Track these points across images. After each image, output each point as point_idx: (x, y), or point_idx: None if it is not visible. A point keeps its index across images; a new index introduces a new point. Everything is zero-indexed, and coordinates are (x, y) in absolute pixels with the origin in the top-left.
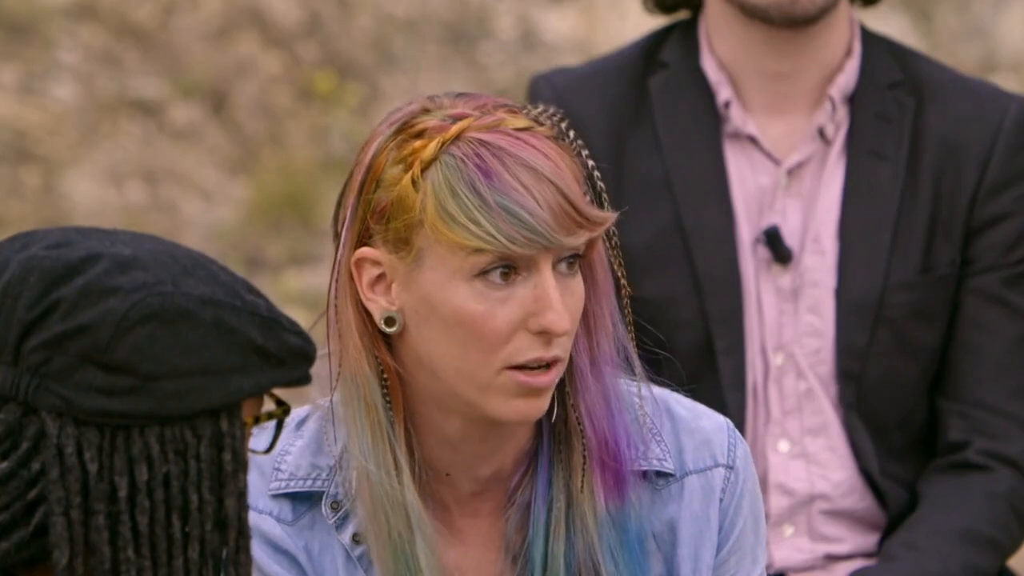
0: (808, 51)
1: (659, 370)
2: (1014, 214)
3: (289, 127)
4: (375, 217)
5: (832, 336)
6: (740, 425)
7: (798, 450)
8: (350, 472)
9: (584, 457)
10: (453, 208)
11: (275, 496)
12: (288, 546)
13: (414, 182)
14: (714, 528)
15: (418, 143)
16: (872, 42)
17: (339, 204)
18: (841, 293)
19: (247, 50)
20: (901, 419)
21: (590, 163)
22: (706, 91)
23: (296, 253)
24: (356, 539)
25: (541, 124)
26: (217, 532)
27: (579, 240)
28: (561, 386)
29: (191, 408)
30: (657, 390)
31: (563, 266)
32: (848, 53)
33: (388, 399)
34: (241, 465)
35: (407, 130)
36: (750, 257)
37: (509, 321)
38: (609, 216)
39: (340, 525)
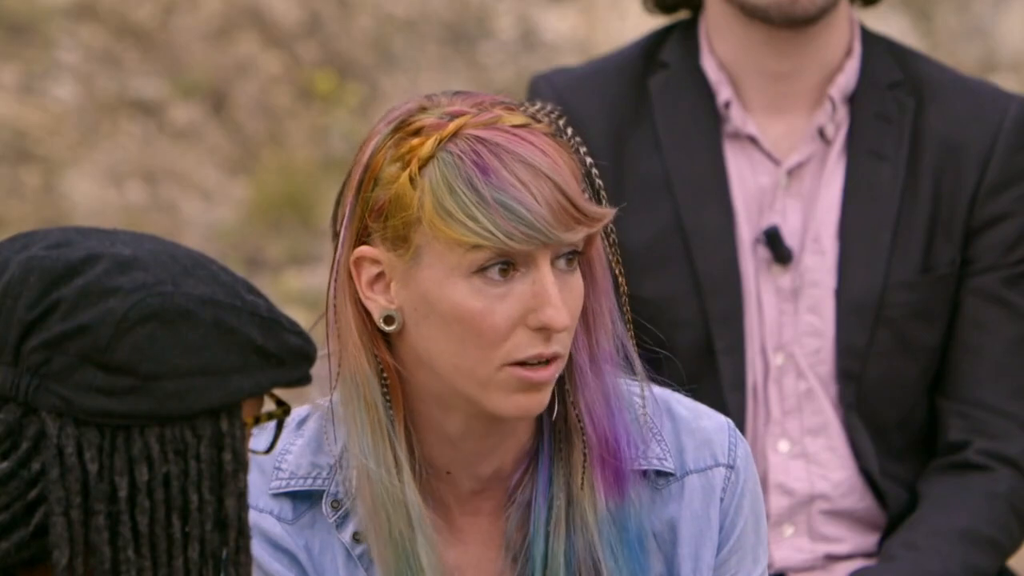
0: (808, 51)
1: (659, 370)
2: (1014, 214)
3: (289, 127)
4: (373, 215)
5: (832, 336)
6: (740, 425)
7: (798, 450)
8: (350, 471)
9: (584, 454)
10: (451, 205)
11: (275, 495)
12: (288, 545)
13: (412, 180)
14: (715, 528)
15: (415, 141)
16: (872, 42)
17: (338, 203)
18: (841, 293)
19: (247, 50)
20: (901, 419)
21: (588, 160)
22: (706, 91)
23: (296, 253)
24: (357, 538)
25: (539, 121)
26: (217, 532)
27: (577, 236)
28: (561, 383)
29: (191, 408)
30: (658, 390)
31: (562, 263)
32: (848, 53)
33: (388, 397)
34: (241, 465)
35: (404, 128)
36: (750, 257)
37: (508, 318)
38: (607, 212)
39: (340, 524)
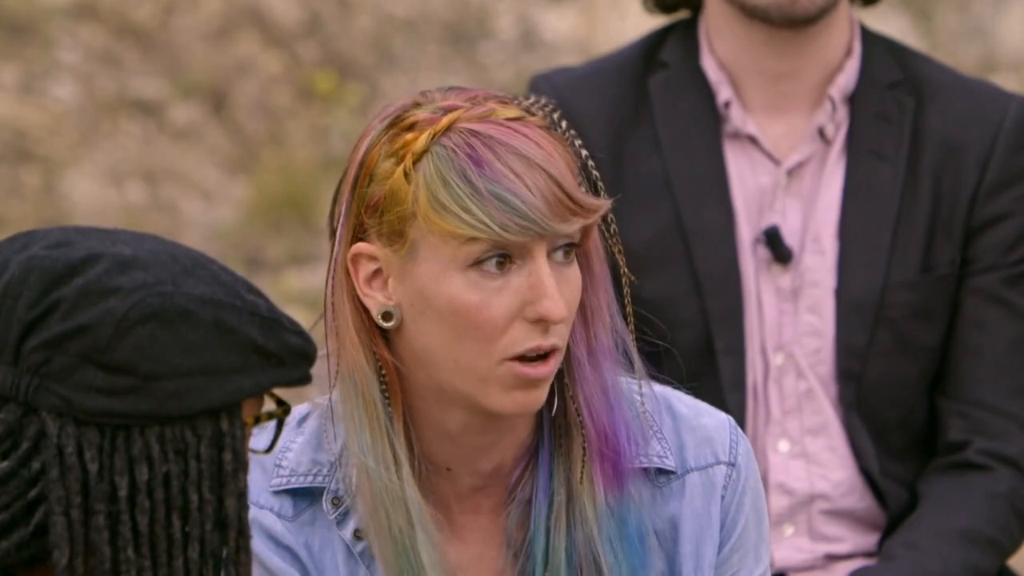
0: (808, 51)
1: (660, 367)
2: (1014, 214)
3: (289, 127)
4: (369, 211)
5: (832, 336)
6: (740, 425)
7: (798, 450)
8: (350, 468)
9: (583, 448)
10: (445, 197)
11: (276, 492)
12: (289, 542)
13: (406, 174)
14: (716, 525)
15: (409, 136)
16: (872, 42)
17: (334, 201)
18: (841, 293)
19: (247, 50)
20: (901, 419)
21: (583, 152)
22: (706, 91)
23: (296, 253)
24: (357, 535)
25: (533, 114)
26: (217, 532)
27: (572, 227)
28: (560, 377)
29: (191, 408)
30: (658, 388)
31: (559, 255)
32: (848, 53)
33: (387, 394)
34: (241, 465)
35: (398, 124)
36: (750, 257)
37: (505, 310)
38: (602, 203)
39: (341, 521)
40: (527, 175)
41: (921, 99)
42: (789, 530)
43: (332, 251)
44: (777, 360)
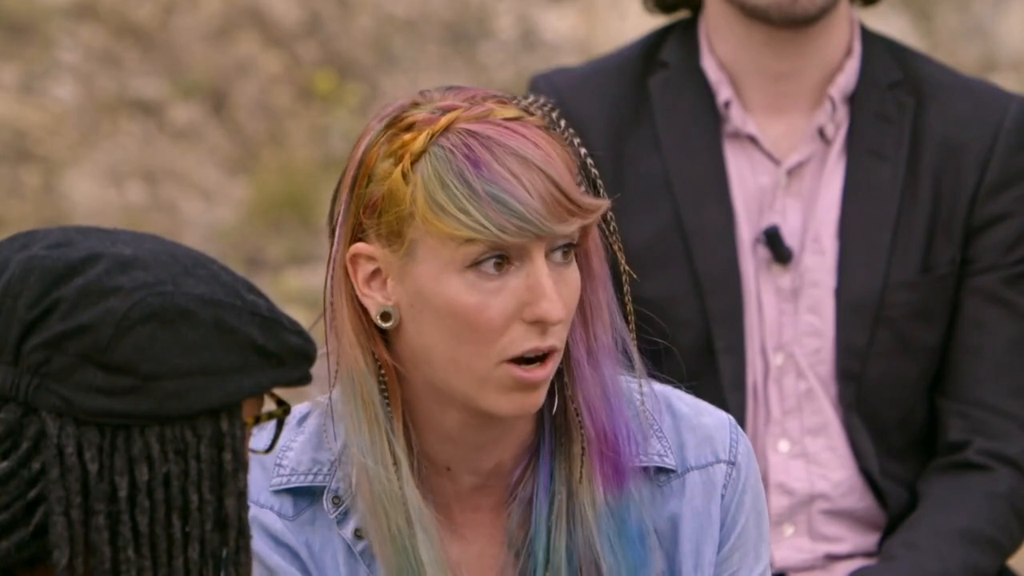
0: (808, 51)
1: (660, 366)
2: (1014, 214)
3: (289, 127)
4: (367, 212)
5: (832, 336)
6: (740, 425)
7: (798, 450)
8: (350, 468)
9: (583, 448)
10: (443, 199)
11: (276, 491)
12: (289, 541)
13: (404, 175)
14: (716, 524)
15: (408, 136)
16: (872, 42)
17: (333, 200)
18: (841, 293)
19: (247, 50)
20: (901, 419)
21: (583, 151)
22: (706, 91)
23: (296, 253)
24: (358, 534)
25: (531, 114)
26: (217, 532)
27: (571, 228)
28: (559, 376)
29: (191, 408)
30: (658, 386)
31: (557, 255)
32: (848, 53)
33: (385, 395)
34: (241, 465)
35: (397, 124)
36: (750, 257)
37: (503, 312)
38: (601, 203)
39: (341, 520)
40: (525, 176)
41: (921, 99)
42: (789, 530)
43: (331, 251)
44: (777, 360)
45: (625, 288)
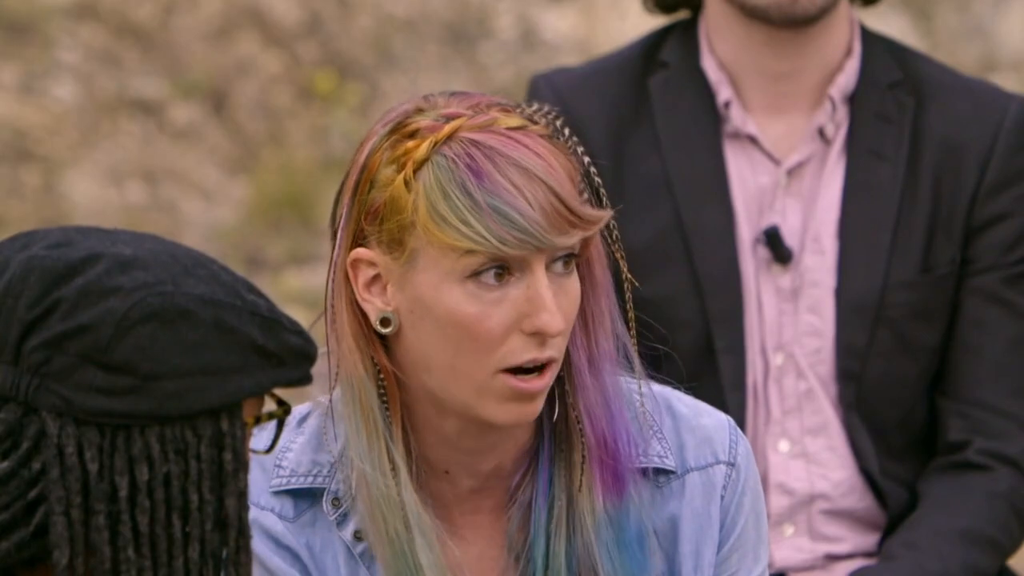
0: (808, 51)
1: (659, 368)
2: (1014, 214)
3: (289, 127)
4: (369, 218)
5: (832, 336)
6: (740, 425)
7: (798, 450)
8: (350, 471)
9: (583, 456)
10: (444, 209)
11: (276, 493)
12: (290, 542)
13: (407, 183)
14: (715, 525)
15: (411, 143)
16: (872, 42)
17: (336, 204)
18: (841, 293)
19: (247, 50)
20: (901, 419)
21: (586, 160)
22: (706, 91)
23: (296, 253)
24: (358, 536)
25: (535, 123)
26: (217, 532)
27: (572, 240)
28: (560, 384)
29: (191, 408)
30: (658, 388)
31: (558, 266)
32: (848, 53)
33: (384, 399)
34: (242, 465)
35: (401, 130)
36: (750, 257)
37: (503, 322)
38: (603, 214)
39: (341, 522)
40: (527, 188)
41: (921, 99)
42: (789, 530)
43: (333, 254)
44: (777, 360)
45: (627, 296)
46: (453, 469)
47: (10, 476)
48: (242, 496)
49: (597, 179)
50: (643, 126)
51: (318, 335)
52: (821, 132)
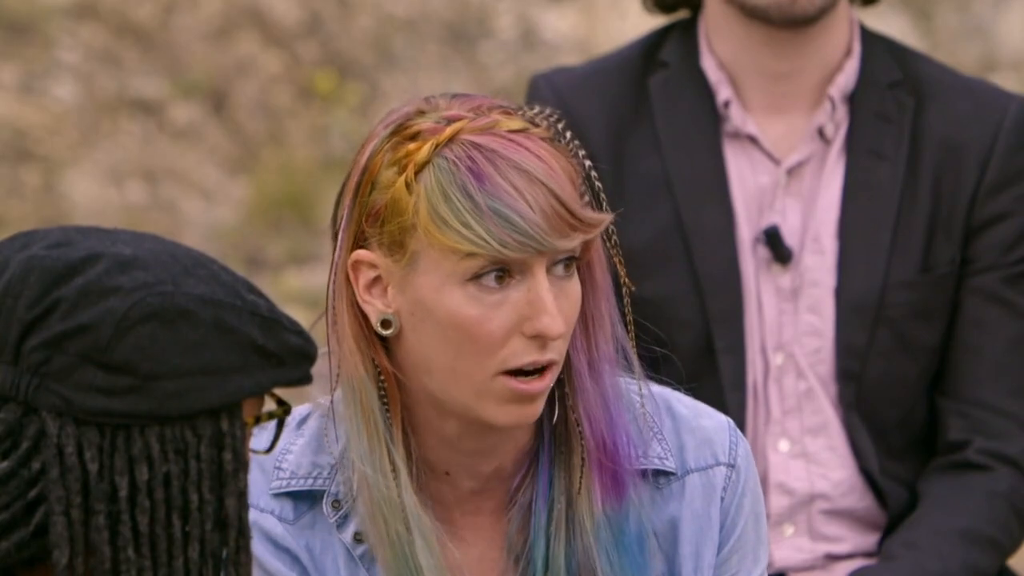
0: (808, 51)
1: (659, 369)
2: (1014, 213)
3: (289, 127)
4: (370, 220)
5: (832, 336)
6: (740, 425)
7: (798, 450)
8: (350, 472)
9: (582, 458)
10: (445, 212)
11: (276, 495)
12: (289, 544)
13: (408, 185)
14: (715, 527)
15: (412, 145)
16: (872, 42)
17: (337, 205)
18: (841, 293)
19: (247, 50)
20: (901, 419)
21: (587, 163)
22: (706, 91)
23: (296, 253)
24: (358, 538)
25: (537, 125)
26: (217, 532)
27: (572, 243)
28: (560, 386)
29: (191, 408)
30: (658, 389)
31: (559, 268)
32: (848, 53)
33: (385, 401)
34: (241, 465)
35: (402, 132)
36: (750, 257)
37: (503, 325)
38: (603, 218)
39: (341, 524)
40: (528, 190)
41: (921, 99)
42: (789, 530)
43: (334, 255)
44: (777, 360)
45: (626, 300)
46: (453, 471)
47: (10, 476)
48: (242, 496)
49: (597, 183)
50: (643, 126)
51: (318, 336)
52: (821, 132)
